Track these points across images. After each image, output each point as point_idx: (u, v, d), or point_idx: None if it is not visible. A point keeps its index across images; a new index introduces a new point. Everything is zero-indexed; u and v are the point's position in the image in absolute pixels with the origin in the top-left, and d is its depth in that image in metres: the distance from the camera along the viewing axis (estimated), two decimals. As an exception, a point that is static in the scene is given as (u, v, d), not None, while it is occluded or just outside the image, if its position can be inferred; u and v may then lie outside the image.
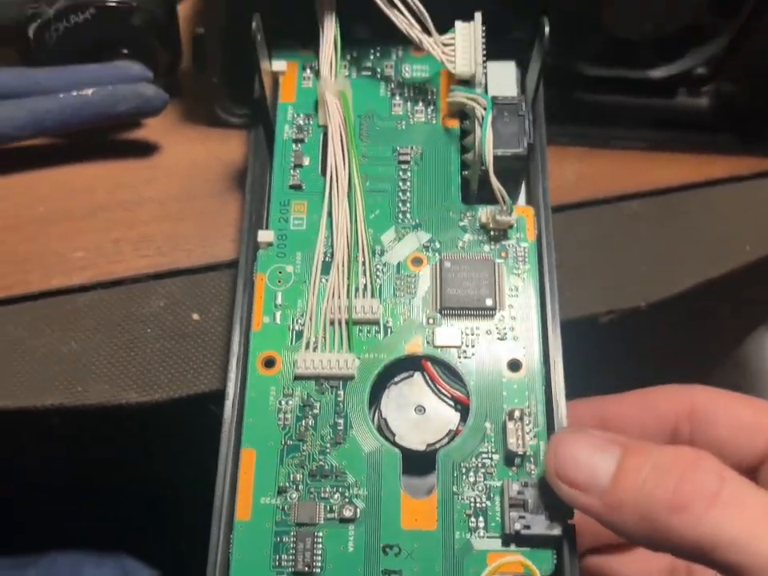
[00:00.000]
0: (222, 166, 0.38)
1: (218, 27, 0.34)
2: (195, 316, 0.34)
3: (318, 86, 0.33)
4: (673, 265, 0.38)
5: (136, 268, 0.35)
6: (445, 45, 0.32)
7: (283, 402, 0.29)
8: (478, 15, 0.32)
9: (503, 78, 0.34)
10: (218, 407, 0.30)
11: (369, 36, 0.36)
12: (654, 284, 0.37)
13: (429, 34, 0.32)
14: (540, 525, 0.26)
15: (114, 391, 0.32)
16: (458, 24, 0.32)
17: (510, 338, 0.30)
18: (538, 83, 0.32)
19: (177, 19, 0.38)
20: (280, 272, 0.31)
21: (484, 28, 0.32)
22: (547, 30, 0.30)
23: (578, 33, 0.38)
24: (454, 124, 0.34)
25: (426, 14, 0.32)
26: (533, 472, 0.28)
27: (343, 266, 0.31)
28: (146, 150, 0.38)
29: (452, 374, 0.30)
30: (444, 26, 0.33)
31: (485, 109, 0.31)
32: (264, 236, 0.32)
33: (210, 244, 0.36)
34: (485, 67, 0.33)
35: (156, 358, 0.33)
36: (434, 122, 0.34)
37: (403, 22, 0.32)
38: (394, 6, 0.32)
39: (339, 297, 0.31)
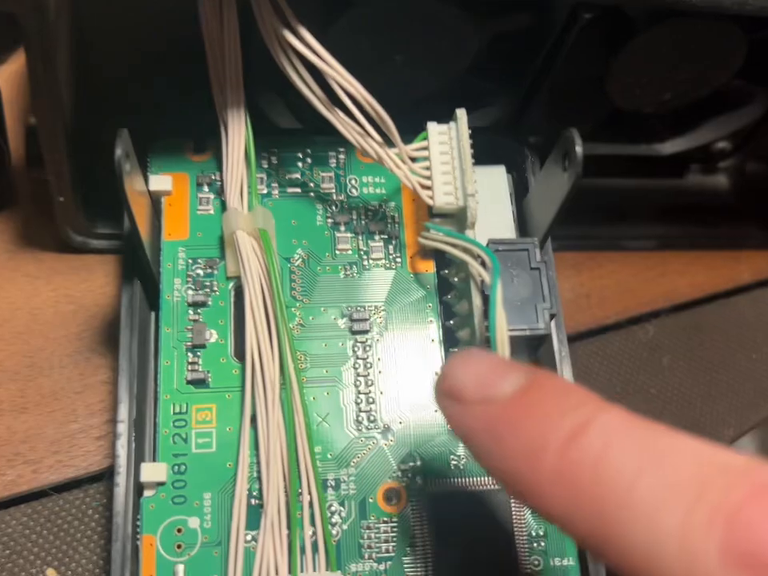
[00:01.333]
0: (79, 313, 0.26)
1: (58, 125, 0.22)
2: (50, 572, 0.23)
3: (223, 219, 0.22)
4: (708, 412, 0.29)
5: (-48, 501, 0.23)
6: (414, 160, 0.21)
7: None
8: (461, 113, 0.21)
9: (492, 195, 0.23)
10: None
11: (296, 125, 0.25)
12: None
13: (390, 143, 0.21)
14: None
15: None
16: (432, 127, 0.21)
17: (542, 618, 0.20)
18: (558, 217, 0.22)
19: (-4, 102, 0.25)
20: (180, 530, 0.20)
21: (470, 131, 0.21)
22: (579, 148, 0.19)
23: (573, 105, 0.28)
24: (428, 267, 0.23)
25: (386, 116, 0.20)
26: None
27: (279, 513, 0.20)
28: (-41, 299, 0.25)
29: None
30: (409, 126, 0.22)
31: (487, 269, 0.20)
32: (150, 472, 0.20)
33: (65, 448, 0.24)
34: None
35: None
36: (399, 263, 0.23)
37: (352, 130, 0.21)
38: (338, 105, 0.20)
39: (277, 571, 0.20)
